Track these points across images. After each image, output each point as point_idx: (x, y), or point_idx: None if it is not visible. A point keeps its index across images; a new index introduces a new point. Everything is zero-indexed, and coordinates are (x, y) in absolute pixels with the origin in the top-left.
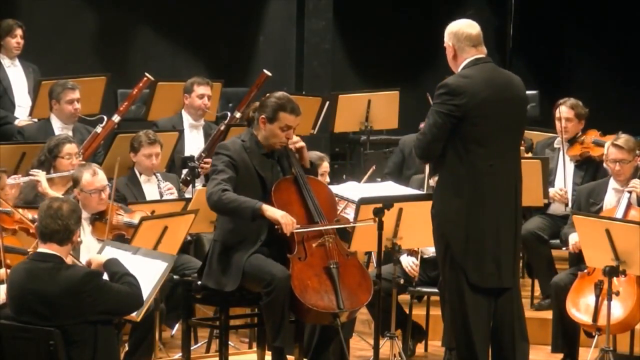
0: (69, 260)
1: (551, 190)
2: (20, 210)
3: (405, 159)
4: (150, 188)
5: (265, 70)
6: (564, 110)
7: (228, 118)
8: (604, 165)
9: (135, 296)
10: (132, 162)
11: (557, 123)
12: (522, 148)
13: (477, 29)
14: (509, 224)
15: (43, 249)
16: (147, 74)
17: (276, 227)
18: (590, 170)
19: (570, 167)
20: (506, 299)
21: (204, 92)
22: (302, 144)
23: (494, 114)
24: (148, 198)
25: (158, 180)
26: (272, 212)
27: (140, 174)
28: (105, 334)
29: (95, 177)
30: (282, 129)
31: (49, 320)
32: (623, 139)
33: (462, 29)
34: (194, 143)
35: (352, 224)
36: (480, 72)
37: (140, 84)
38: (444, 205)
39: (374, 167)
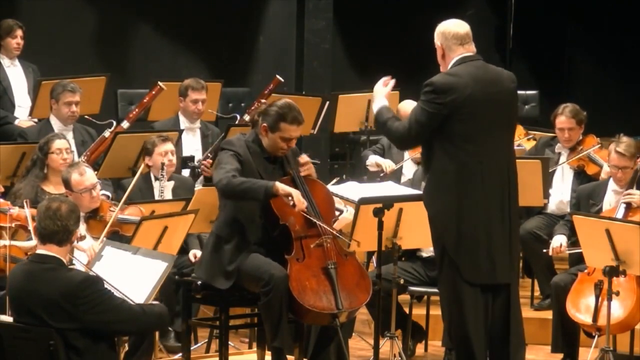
0: (67, 258)
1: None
2: (17, 208)
3: (385, 153)
4: (162, 189)
5: (277, 76)
6: (565, 120)
7: (237, 120)
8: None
9: (140, 316)
10: (134, 162)
11: (559, 133)
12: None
13: (466, 28)
14: (502, 220)
15: (42, 250)
16: (159, 83)
17: (289, 198)
18: (588, 179)
19: (570, 173)
20: (503, 300)
21: (197, 98)
22: (309, 164)
23: (481, 110)
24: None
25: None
26: (285, 187)
27: (155, 179)
28: (104, 352)
29: (83, 176)
30: (282, 138)
31: (47, 323)
32: (624, 144)
33: (449, 28)
34: (191, 144)
35: (345, 238)
36: (467, 69)
37: (153, 92)
38: (436, 204)
39: (337, 179)
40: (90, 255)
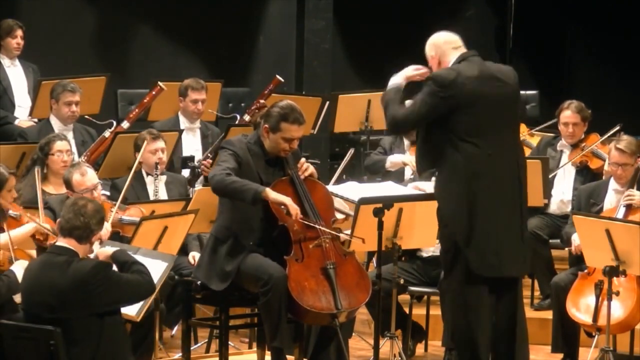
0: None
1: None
2: (29, 214)
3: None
4: (157, 188)
5: (277, 76)
6: (570, 115)
7: (237, 120)
8: (603, 176)
9: (145, 284)
10: (132, 161)
11: (563, 127)
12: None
13: (456, 36)
14: (513, 212)
15: (61, 242)
16: (159, 83)
17: (282, 206)
18: (590, 176)
19: (572, 171)
20: (510, 296)
21: (197, 98)
22: (311, 170)
23: (485, 103)
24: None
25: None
26: (277, 195)
27: (147, 175)
28: (112, 325)
29: (85, 177)
30: (284, 139)
31: (58, 312)
32: (625, 141)
33: (439, 36)
34: (191, 144)
35: (347, 236)
36: (468, 65)
37: (153, 92)
38: (447, 198)
39: (352, 150)
40: (104, 235)
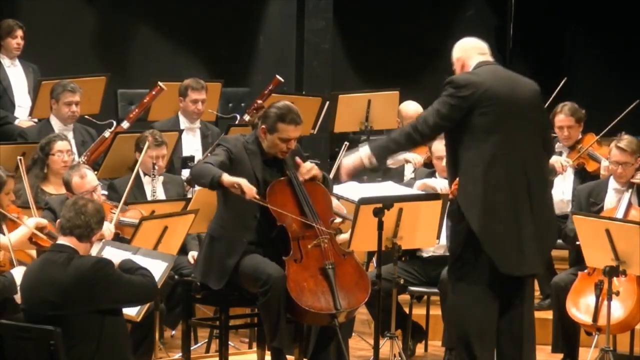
0: None
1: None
2: (26, 217)
3: None
4: (154, 188)
5: (277, 76)
6: (564, 119)
7: (237, 120)
8: (600, 177)
9: (148, 284)
10: (133, 162)
11: (558, 131)
12: None
13: (484, 43)
14: (528, 212)
15: (62, 241)
16: (159, 83)
17: (235, 186)
18: (589, 178)
19: (570, 172)
20: (518, 298)
21: (197, 98)
22: (312, 173)
23: (502, 103)
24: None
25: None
26: (231, 178)
27: (145, 175)
28: (112, 325)
29: (84, 180)
30: (281, 139)
31: (60, 309)
32: (626, 140)
33: (468, 41)
34: (191, 144)
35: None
36: (486, 70)
37: (153, 92)
38: (466, 198)
39: (346, 143)
40: (108, 236)
